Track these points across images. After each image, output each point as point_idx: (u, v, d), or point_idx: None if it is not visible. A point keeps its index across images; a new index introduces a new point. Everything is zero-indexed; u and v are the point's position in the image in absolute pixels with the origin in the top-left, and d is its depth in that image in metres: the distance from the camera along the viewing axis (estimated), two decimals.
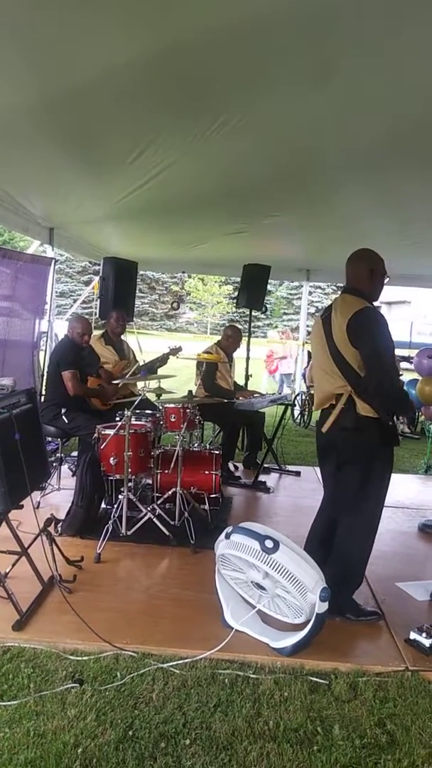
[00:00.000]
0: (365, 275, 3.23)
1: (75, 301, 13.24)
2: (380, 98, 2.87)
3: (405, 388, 7.64)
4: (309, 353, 3.06)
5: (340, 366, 3.07)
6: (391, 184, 4.31)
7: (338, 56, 2.49)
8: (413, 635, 3.01)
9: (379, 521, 3.27)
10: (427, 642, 2.94)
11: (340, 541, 3.25)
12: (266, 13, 2.17)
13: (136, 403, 4.34)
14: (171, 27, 2.30)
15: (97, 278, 8.29)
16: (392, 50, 2.41)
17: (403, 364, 13.96)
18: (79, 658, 2.76)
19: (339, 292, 3.38)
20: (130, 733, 2.31)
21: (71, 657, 2.76)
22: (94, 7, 2.17)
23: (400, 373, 3.33)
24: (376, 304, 3.31)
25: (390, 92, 2.81)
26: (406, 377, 9.27)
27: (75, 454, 5.74)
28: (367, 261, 3.25)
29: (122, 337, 6.22)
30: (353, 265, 3.28)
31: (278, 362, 12.14)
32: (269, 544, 2.78)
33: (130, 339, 6.52)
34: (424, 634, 2.97)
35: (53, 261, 6.44)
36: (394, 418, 3.09)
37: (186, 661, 2.76)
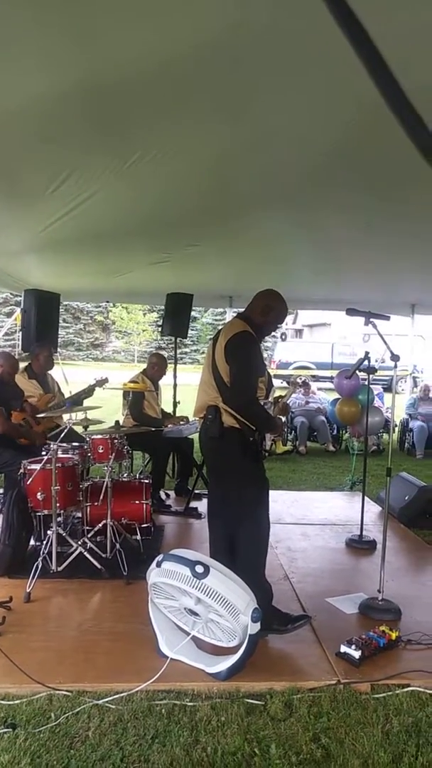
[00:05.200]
0: (260, 308, 3.48)
1: None
2: (290, 131, 3.02)
3: (328, 406, 7.87)
4: None
5: (216, 379, 3.34)
6: (306, 214, 4.48)
7: (249, 92, 2.61)
8: (343, 648, 3.11)
9: (267, 531, 3.39)
10: (356, 654, 3.04)
11: (243, 560, 3.35)
12: (179, 47, 2.24)
13: (61, 436, 4.28)
14: (84, 62, 2.34)
15: (18, 310, 8.12)
16: (297, 87, 2.56)
17: (326, 385, 14.47)
18: (11, 702, 2.67)
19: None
20: None
21: (2, 702, 2.67)
22: (7, 36, 2.19)
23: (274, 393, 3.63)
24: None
25: (299, 126, 2.97)
26: (328, 397, 9.61)
27: (0, 491, 5.56)
28: (268, 299, 3.50)
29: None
30: (257, 297, 3.54)
31: None
32: (200, 569, 2.80)
33: (55, 370, 6.42)
34: (353, 647, 3.07)
35: None
36: (257, 434, 3.34)
37: (122, 695, 2.73)
